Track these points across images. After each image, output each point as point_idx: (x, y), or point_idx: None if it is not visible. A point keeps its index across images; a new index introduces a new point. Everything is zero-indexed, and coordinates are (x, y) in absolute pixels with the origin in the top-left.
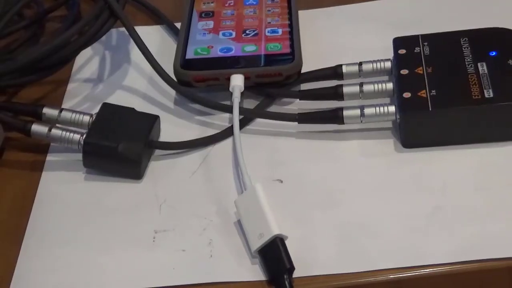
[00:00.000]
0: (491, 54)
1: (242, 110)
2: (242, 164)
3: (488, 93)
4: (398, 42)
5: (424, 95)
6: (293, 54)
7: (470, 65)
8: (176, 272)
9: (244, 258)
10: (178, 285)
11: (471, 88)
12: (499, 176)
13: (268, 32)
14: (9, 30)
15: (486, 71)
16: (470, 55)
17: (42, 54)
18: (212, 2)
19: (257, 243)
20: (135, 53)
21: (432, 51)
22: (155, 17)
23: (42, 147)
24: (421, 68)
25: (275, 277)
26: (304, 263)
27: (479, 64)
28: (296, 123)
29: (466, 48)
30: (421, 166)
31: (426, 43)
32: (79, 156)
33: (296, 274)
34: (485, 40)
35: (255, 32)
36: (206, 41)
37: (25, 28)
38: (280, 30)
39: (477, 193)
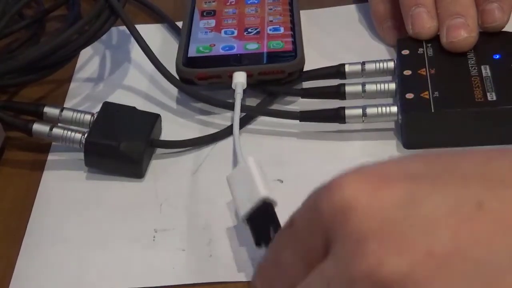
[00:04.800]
0: (494, 57)
1: (244, 107)
2: (236, 139)
3: (491, 96)
4: (402, 43)
5: (427, 97)
6: (296, 52)
7: (473, 67)
8: (176, 272)
9: (244, 258)
10: (177, 285)
11: (474, 91)
12: None
13: (270, 30)
14: (9, 30)
15: (489, 74)
16: (474, 58)
17: (43, 53)
18: (213, 1)
19: (245, 208)
20: (136, 52)
21: (436, 53)
22: (156, 16)
23: (43, 147)
24: (424, 69)
25: (263, 239)
26: None
27: (482, 67)
28: (298, 122)
29: (469, 51)
30: None
31: (429, 45)
32: (81, 155)
33: None
34: (489, 43)
35: (257, 30)
36: (208, 40)
37: (25, 27)
38: (282, 28)
39: None
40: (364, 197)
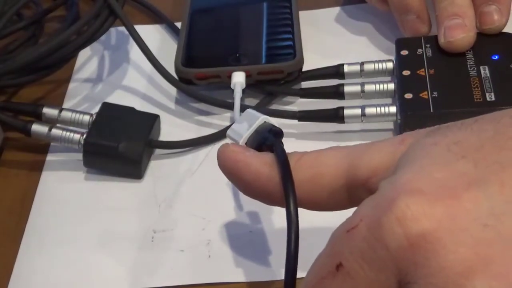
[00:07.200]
0: (493, 57)
1: (242, 107)
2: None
3: (490, 97)
4: (401, 43)
5: (426, 97)
6: (295, 52)
7: (472, 68)
8: (174, 272)
9: (242, 258)
10: (176, 285)
11: (473, 91)
12: None
13: (269, 30)
14: (8, 31)
15: (488, 75)
16: (473, 58)
17: (41, 54)
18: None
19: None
20: (135, 52)
21: (435, 53)
22: (155, 17)
23: (42, 147)
24: (423, 69)
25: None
26: (302, 263)
27: (481, 68)
28: (297, 122)
29: (468, 51)
30: None
31: (428, 45)
32: (79, 155)
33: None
34: (488, 43)
35: (256, 30)
36: (207, 39)
37: (24, 28)
38: (281, 28)
39: None
40: (443, 222)
